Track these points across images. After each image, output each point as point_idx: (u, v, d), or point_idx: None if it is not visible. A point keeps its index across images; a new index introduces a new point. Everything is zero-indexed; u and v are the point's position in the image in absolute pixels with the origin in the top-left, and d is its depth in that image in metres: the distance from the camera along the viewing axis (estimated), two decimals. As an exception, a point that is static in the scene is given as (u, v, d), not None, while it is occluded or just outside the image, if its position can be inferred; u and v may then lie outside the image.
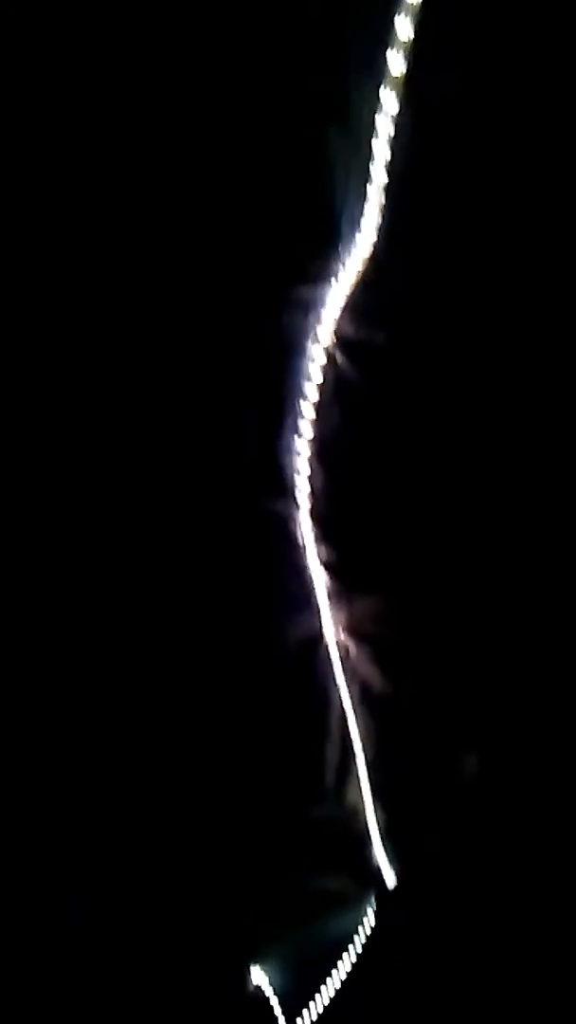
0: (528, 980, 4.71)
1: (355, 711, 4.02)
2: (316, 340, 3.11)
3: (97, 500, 3.65)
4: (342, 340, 3.09)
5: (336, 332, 3.08)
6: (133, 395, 3.47)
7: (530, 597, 3.92)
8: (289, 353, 3.15)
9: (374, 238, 2.93)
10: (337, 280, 3.00)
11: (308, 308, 3.05)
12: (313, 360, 3.14)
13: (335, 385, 3.16)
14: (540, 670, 4.25)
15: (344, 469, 3.34)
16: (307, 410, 3.21)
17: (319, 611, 3.72)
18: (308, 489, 3.36)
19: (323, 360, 3.12)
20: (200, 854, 4.86)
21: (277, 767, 4.26)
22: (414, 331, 3.13)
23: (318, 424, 3.22)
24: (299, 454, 3.30)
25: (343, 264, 2.96)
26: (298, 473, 3.34)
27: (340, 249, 2.96)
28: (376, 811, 4.45)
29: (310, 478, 3.33)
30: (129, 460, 3.55)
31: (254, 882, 5.09)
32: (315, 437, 3.24)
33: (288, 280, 3.02)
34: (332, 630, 3.78)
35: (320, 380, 3.16)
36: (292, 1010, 6.09)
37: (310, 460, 3.30)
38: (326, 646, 3.83)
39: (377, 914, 5.32)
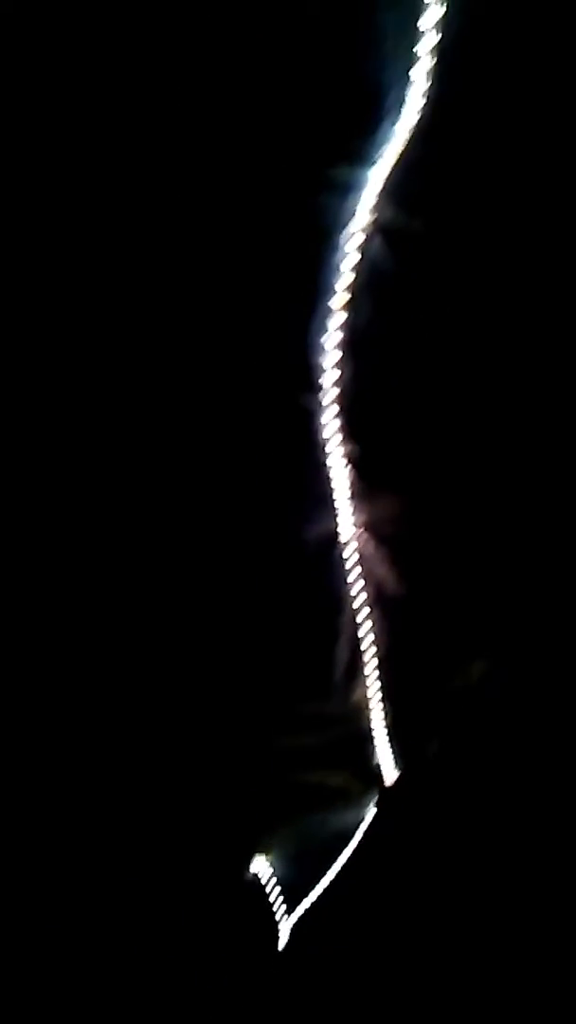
0: (522, 877, 4.88)
1: (368, 611, 4.06)
2: (352, 227, 3.02)
3: (112, 391, 3.62)
4: (380, 227, 3.00)
5: (374, 218, 2.98)
6: (154, 279, 3.39)
7: (554, 508, 3.92)
8: (323, 241, 3.06)
9: (418, 119, 2.80)
10: (377, 162, 2.88)
11: (345, 191, 2.95)
12: (347, 249, 3.05)
13: (369, 276, 3.08)
14: (555, 583, 4.29)
15: (374, 365, 3.28)
16: (338, 302, 3.13)
17: (337, 510, 3.71)
18: (335, 384, 3.31)
19: (358, 249, 3.04)
20: (202, 743, 4.99)
21: (286, 662, 4.34)
22: (456, 219, 3.04)
23: (349, 317, 3.16)
24: (328, 348, 3.24)
25: (385, 145, 2.84)
26: (325, 368, 3.28)
27: (382, 129, 2.83)
28: (382, 710, 4.55)
29: (338, 372, 3.27)
30: (145, 348, 3.49)
31: (256, 774, 5.23)
32: (345, 330, 3.17)
33: (324, 160, 2.91)
34: (350, 529, 3.78)
35: (354, 270, 3.07)
36: (291, 900, 6.36)
37: (339, 354, 3.24)
38: (342, 545, 3.84)
39: (377, 810, 5.49)
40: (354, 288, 3.09)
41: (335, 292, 3.08)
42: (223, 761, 5.24)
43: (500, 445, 3.82)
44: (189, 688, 4.62)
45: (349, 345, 3.19)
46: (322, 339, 3.18)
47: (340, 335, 3.18)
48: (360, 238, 3.02)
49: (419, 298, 3.22)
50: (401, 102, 2.84)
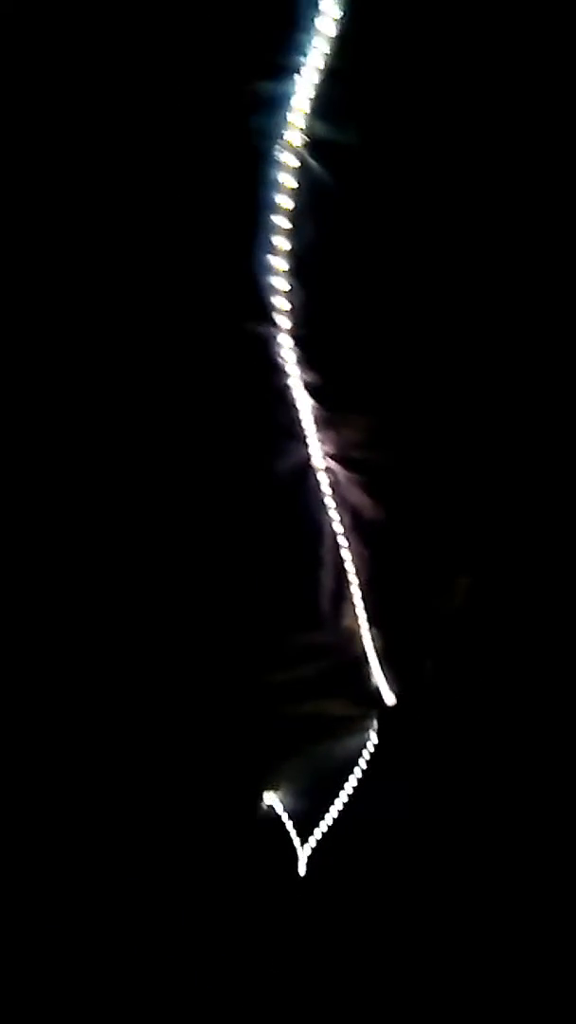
0: (520, 787, 4.96)
1: (347, 537, 4.06)
2: (284, 143, 2.93)
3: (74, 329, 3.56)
4: (312, 140, 2.91)
5: (305, 132, 2.89)
6: (96, 209, 3.30)
7: (521, 415, 3.89)
8: (256, 160, 2.97)
9: (338, 27, 2.68)
10: (302, 73, 2.77)
11: (272, 106, 2.84)
12: (282, 165, 2.97)
13: (308, 192, 3.00)
14: (533, 488, 4.27)
15: (324, 284, 3.22)
16: (280, 222, 3.06)
17: (306, 438, 3.68)
18: (287, 308, 3.25)
19: (293, 164, 2.96)
20: (204, 686, 5.04)
21: (274, 596, 4.36)
22: (391, 126, 2.94)
23: (293, 237, 3.08)
24: (275, 271, 3.17)
25: (307, 54, 2.73)
26: (275, 292, 3.22)
27: (303, 37, 2.72)
28: (372, 635, 4.59)
29: (288, 296, 3.21)
30: (100, 283, 3.42)
31: (260, 710, 5.30)
32: (291, 251, 3.10)
33: (247, 76, 2.80)
34: (320, 457, 3.76)
35: (291, 187, 2.99)
36: (305, 828, 6.51)
37: (287, 276, 3.17)
38: (315, 474, 3.82)
39: (379, 732, 5.58)
40: (295, 206, 3.01)
41: (276, 211, 3.00)
42: (223, 702, 5.30)
43: (468, 356, 3.77)
44: (181, 634, 4.65)
45: (297, 266, 3.12)
46: (269, 261, 3.11)
47: (286, 256, 3.11)
48: (294, 154, 2.93)
49: (361, 211, 3.14)
50: (318, 11, 2.72)
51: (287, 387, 3.46)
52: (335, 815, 6.15)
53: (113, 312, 3.34)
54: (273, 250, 3.12)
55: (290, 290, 3.22)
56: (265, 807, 6.38)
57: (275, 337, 3.33)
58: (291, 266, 3.17)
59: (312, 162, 2.97)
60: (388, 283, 3.28)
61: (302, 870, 6.47)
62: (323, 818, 6.22)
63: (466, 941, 4.98)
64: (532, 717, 4.79)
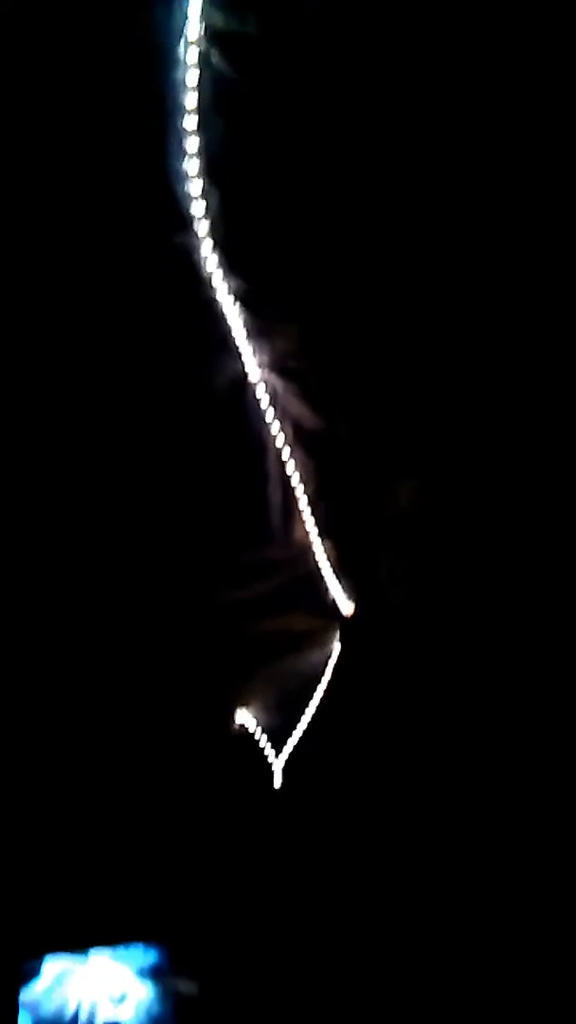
0: (484, 682, 5.10)
1: (291, 449, 4.04)
2: (185, 39, 2.79)
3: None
4: (213, 34, 2.77)
5: (205, 25, 2.74)
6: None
7: (460, 305, 3.85)
8: (156, 60, 2.83)
9: None
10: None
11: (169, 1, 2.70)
12: (184, 63, 2.83)
13: (215, 88, 2.88)
14: (473, 382, 4.27)
15: (243, 185, 3.12)
16: (188, 124, 2.93)
17: (239, 351, 3.61)
18: (205, 213, 3.14)
19: (196, 60, 2.82)
20: (161, 613, 5.06)
21: (221, 515, 4.35)
22: (291, 13, 2.80)
23: (203, 137, 2.96)
24: (189, 176, 3.06)
25: None
26: (191, 198, 3.11)
27: None
28: (324, 546, 4.61)
29: (205, 200, 3.10)
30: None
31: (221, 632, 5.35)
32: (202, 152, 2.99)
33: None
34: (256, 370, 3.70)
35: (196, 86, 2.86)
36: (278, 742, 6.66)
37: (202, 180, 3.05)
38: (252, 388, 3.76)
39: (341, 642, 5.67)
40: (201, 104, 2.89)
41: (183, 113, 2.88)
42: (184, 627, 5.33)
43: (404, 249, 3.70)
44: (130, 562, 4.64)
45: (211, 168, 3.01)
46: (181, 167, 2.99)
47: (199, 159, 2.99)
48: (195, 49, 2.79)
49: (274, 105, 3.03)
50: None
51: (214, 299, 3.38)
52: (306, 726, 6.30)
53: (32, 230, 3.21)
54: (184, 154, 3.00)
55: (206, 194, 3.11)
56: (238, 725, 6.50)
57: (197, 246, 3.23)
58: (204, 169, 3.06)
59: (216, 56, 2.85)
60: (309, 179, 3.19)
61: (278, 781, 6.65)
62: (294, 729, 6.38)
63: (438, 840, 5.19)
64: (492, 612, 4.91)
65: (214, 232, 3.20)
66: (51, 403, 3.63)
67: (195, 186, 3.08)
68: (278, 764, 6.57)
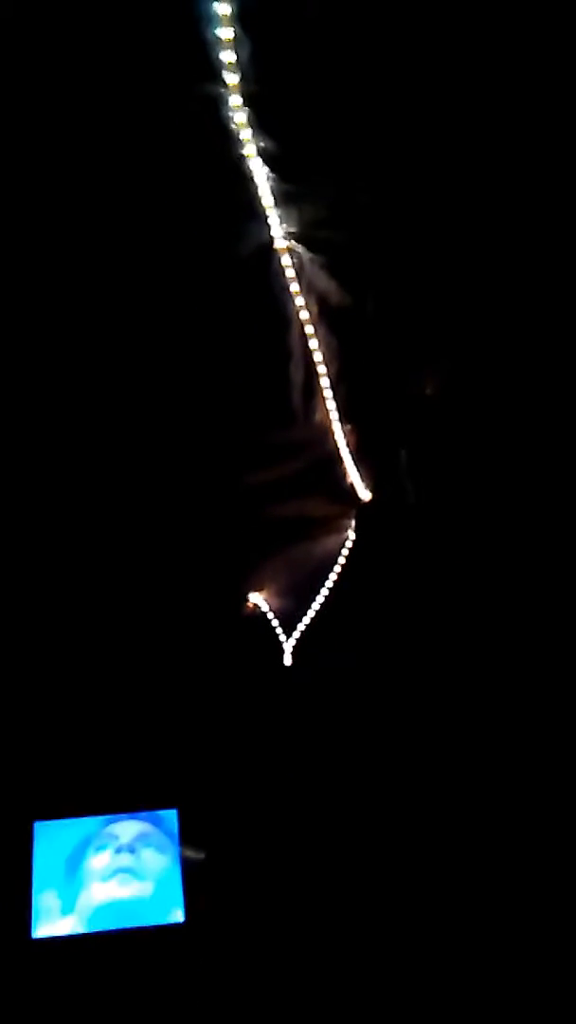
0: (497, 571, 5.08)
1: (314, 326, 3.90)
2: None
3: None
4: None
5: None
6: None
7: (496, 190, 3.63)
8: None
9: None
10: None
11: None
12: None
13: None
14: (510, 270, 4.07)
15: (279, 31, 2.88)
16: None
17: (266, 217, 3.43)
18: (236, 63, 2.92)
19: None
20: (177, 492, 5.03)
21: (241, 394, 4.25)
22: None
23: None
24: (218, 20, 2.82)
25: None
26: (221, 45, 2.88)
27: None
28: (344, 429, 4.53)
29: (236, 47, 2.88)
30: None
31: (241, 512, 5.33)
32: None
33: None
34: (283, 239, 3.52)
35: None
36: (289, 623, 6.76)
37: (234, 24, 2.82)
38: (278, 257, 3.60)
39: (356, 530, 5.66)
40: None
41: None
42: (201, 506, 5.32)
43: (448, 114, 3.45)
44: (149, 440, 4.58)
45: (243, 12, 2.78)
46: (210, 9, 2.76)
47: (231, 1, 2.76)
48: None
49: None
50: None
51: (242, 158, 3.18)
52: (316, 610, 6.38)
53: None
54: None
55: (237, 40, 2.88)
56: (251, 606, 6.59)
57: (225, 99, 3.02)
58: (237, 12, 2.83)
59: None
60: (356, 27, 2.94)
61: (287, 660, 6.80)
62: (305, 614, 6.47)
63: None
64: (507, 503, 4.85)
65: (245, 84, 2.99)
66: (72, 265, 3.48)
67: (226, 31, 2.86)
68: (288, 645, 6.70)
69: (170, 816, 6.99)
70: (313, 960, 5.61)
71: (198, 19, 2.91)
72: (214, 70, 3.00)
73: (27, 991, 5.79)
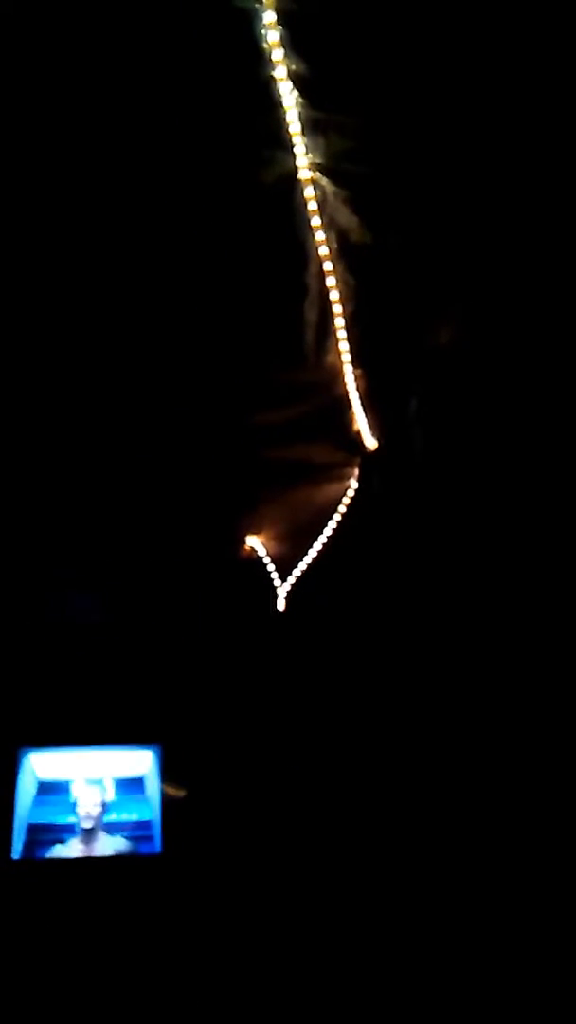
0: (502, 533, 5.04)
1: (333, 263, 3.80)
2: None
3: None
4: None
5: None
6: None
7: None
8: None
9: None
10: None
11: None
12: None
13: None
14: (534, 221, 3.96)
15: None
16: None
17: (292, 146, 3.32)
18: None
19: None
20: (183, 423, 4.98)
21: (252, 328, 4.16)
22: None
23: None
24: None
25: None
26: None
27: None
28: (356, 373, 4.45)
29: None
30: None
31: (240, 453, 5.28)
32: None
33: None
34: (307, 169, 3.41)
35: None
36: (284, 569, 6.75)
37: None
38: (301, 189, 3.49)
39: (359, 478, 5.61)
40: None
41: None
42: (205, 443, 5.26)
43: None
44: (156, 368, 4.51)
45: None
46: None
47: None
48: None
49: None
50: None
51: (271, 80, 3.06)
52: (313, 557, 6.37)
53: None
54: None
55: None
56: (247, 548, 6.58)
57: (257, 15, 2.89)
58: None
59: None
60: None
61: (281, 605, 6.81)
62: (301, 560, 6.46)
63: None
64: (516, 462, 4.79)
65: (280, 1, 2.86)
66: (91, 188, 3.38)
67: None
68: (282, 590, 6.70)
69: (151, 754, 7.02)
70: (294, 904, 5.71)
71: None
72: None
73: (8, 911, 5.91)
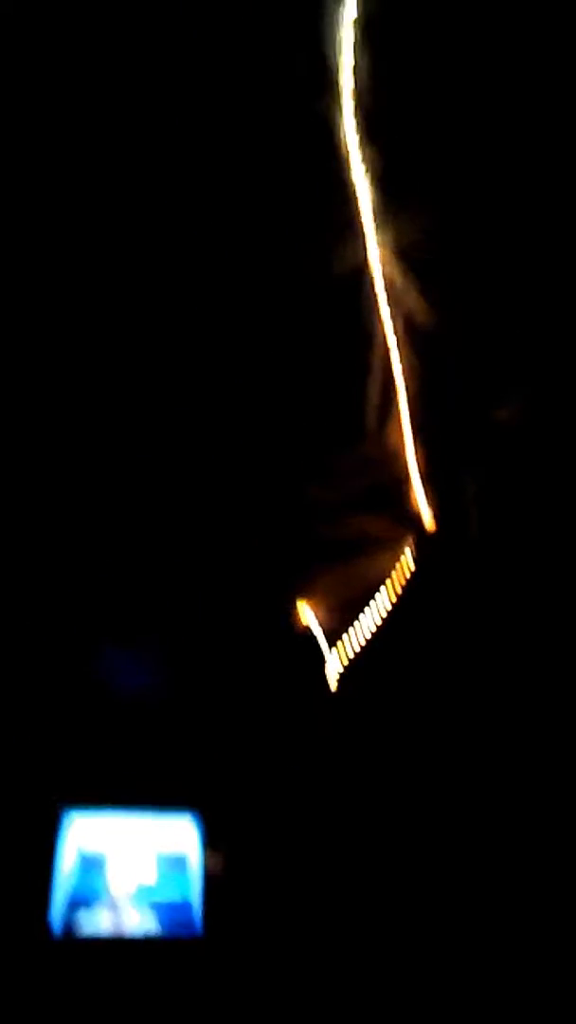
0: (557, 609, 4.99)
1: (398, 347, 3.92)
2: None
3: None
4: None
5: None
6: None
7: None
8: None
9: None
10: None
11: None
12: None
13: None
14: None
15: (396, 49, 2.93)
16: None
17: (363, 233, 3.48)
18: (352, 81, 2.98)
19: None
20: (242, 495, 5.06)
21: (318, 405, 4.28)
22: None
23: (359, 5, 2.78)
24: (338, 41, 2.89)
25: None
26: (337, 64, 2.95)
27: None
28: (416, 452, 4.51)
29: (355, 69, 2.94)
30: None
31: (296, 522, 5.34)
32: (357, 18, 2.81)
33: None
34: (377, 255, 3.56)
35: None
36: (335, 641, 6.71)
37: (352, 47, 2.89)
38: (371, 274, 3.63)
39: (415, 556, 5.61)
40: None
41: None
42: (263, 513, 5.34)
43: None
44: (218, 438, 4.62)
45: (364, 34, 2.84)
46: (330, 31, 2.83)
47: (353, 26, 2.82)
48: None
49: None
50: None
51: (348, 172, 3.23)
52: (365, 631, 6.33)
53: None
54: (338, 20, 2.84)
55: (356, 62, 2.94)
56: (299, 619, 6.57)
57: (339, 114, 3.08)
58: (359, 35, 2.89)
59: None
60: (468, 54, 2.97)
61: (332, 681, 6.75)
62: (352, 632, 6.42)
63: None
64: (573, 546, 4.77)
65: (359, 100, 3.04)
66: (165, 258, 3.56)
67: (346, 50, 2.92)
68: (332, 660, 6.65)
69: (191, 822, 6.86)
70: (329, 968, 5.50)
71: (318, 34, 2.99)
72: (331, 86, 3.07)
73: (45, 988, 5.78)
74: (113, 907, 6.58)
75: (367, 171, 3.22)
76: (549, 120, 3.32)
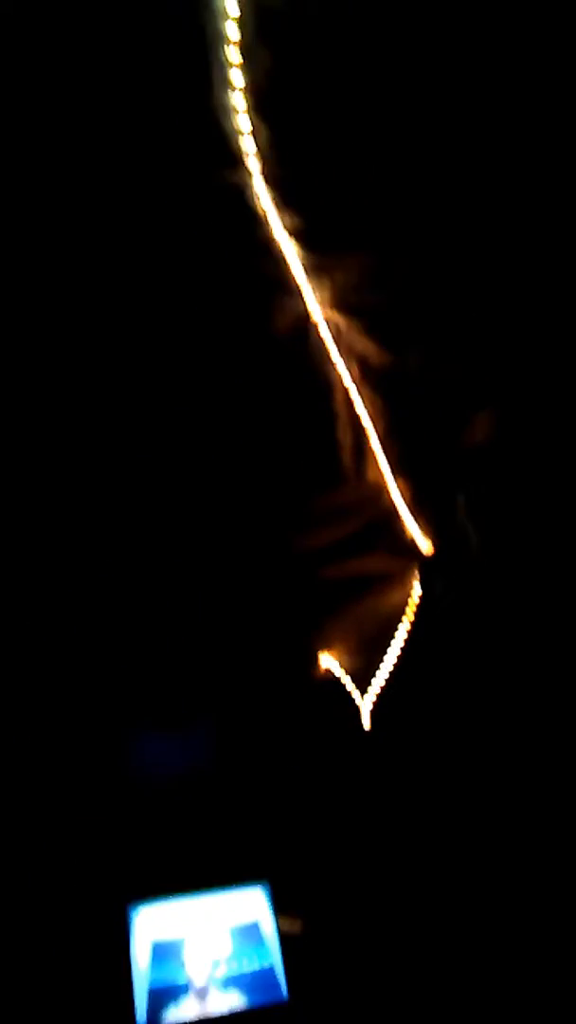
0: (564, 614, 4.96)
1: (359, 388, 3.95)
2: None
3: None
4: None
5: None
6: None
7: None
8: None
9: None
10: None
11: None
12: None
13: (257, 16, 2.74)
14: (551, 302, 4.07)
15: (292, 116, 2.98)
16: (232, 55, 2.81)
17: (299, 290, 3.51)
18: (255, 150, 3.03)
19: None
20: (234, 562, 5.07)
21: (292, 459, 4.30)
22: None
23: (248, 70, 2.84)
24: (236, 110, 2.94)
25: None
26: (240, 133, 3.00)
27: None
28: (399, 483, 4.52)
29: (254, 135, 2.99)
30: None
31: (301, 577, 5.34)
32: (248, 85, 2.86)
33: None
34: (317, 308, 3.60)
35: (237, 16, 2.72)
36: (363, 683, 6.68)
37: (249, 114, 2.94)
38: (315, 327, 3.67)
39: (422, 583, 5.60)
40: (244, 35, 2.75)
41: (225, 43, 2.75)
42: (260, 576, 5.34)
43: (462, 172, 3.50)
44: (199, 512, 4.64)
45: (258, 100, 2.89)
46: (226, 101, 2.88)
47: (245, 92, 2.87)
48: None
49: (322, 30, 2.87)
50: None
51: (271, 237, 3.27)
52: (390, 667, 6.30)
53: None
54: (230, 88, 2.88)
55: (255, 129, 2.99)
56: (323, 668, 6.54)
57: (249, 184, 3.13)
58: (252, 102, 2.94)
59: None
60: (362, 107, 3.04)
61: (366, 724, 6.70)
62: (378, 672, 6.38)
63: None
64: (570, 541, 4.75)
65: (265, 168, 3.09)
66: (117, 346, 3.60)
67: (243, 121, 2.97)
68: (365, 705, 6.60)
69: (260, 893, 6.79)
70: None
71: (215, 109, 3.04)
72: (236, 157, 3.12)
73: None
74: (195, 991, 6.48)
75: (289, 232, 3.25)
76: (464, 139, 3.37)
